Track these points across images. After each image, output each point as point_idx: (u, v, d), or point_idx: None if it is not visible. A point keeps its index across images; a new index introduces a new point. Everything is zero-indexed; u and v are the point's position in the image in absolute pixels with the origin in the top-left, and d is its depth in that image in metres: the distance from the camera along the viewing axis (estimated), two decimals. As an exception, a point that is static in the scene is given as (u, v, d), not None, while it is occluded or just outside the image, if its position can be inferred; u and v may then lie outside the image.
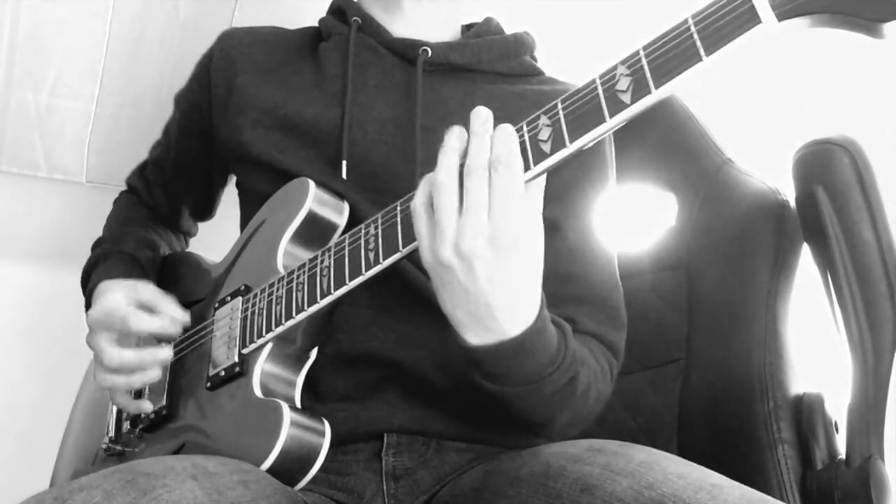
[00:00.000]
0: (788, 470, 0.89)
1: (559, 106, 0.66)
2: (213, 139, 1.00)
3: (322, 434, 0.80)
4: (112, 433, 1.00)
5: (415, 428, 0.85)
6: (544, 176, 0.67)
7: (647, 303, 1.12)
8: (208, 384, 0.86)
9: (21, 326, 1.38)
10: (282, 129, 0.92)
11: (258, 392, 0.81)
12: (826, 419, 0.91)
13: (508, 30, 1.01)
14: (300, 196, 0.87)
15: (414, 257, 0.74)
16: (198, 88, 1.03)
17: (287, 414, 0.77)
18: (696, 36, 0.59)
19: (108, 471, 0.63)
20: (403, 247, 0.73)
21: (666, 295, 1.12)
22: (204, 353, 0.90)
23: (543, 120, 0.66)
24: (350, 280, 0.76)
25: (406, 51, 0.94)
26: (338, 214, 0.88)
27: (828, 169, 0.94)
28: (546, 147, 0.65)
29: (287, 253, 0.87)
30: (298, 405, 0.83)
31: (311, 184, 0.87)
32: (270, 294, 0.84)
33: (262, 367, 0.83)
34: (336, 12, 1.01)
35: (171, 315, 0.90)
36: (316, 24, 1.02)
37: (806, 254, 1.00)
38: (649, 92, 0.61)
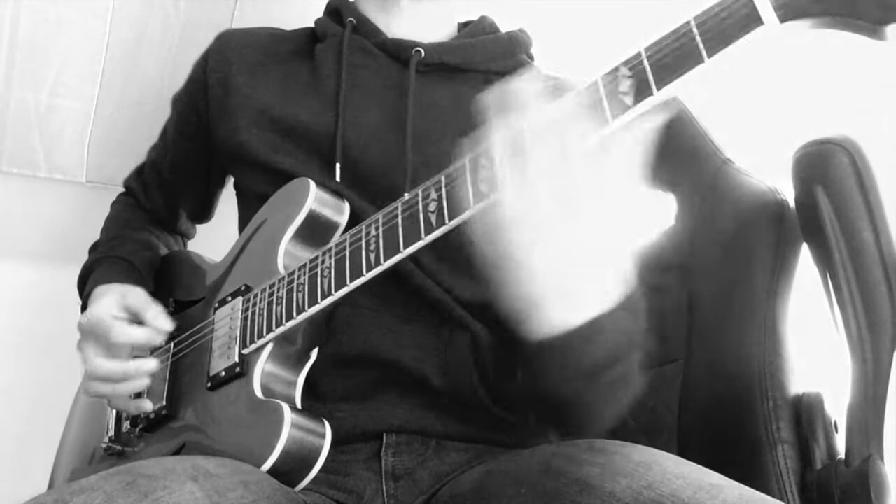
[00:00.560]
0: (788, 470, 0.89)
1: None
2: (211, 141, 1.01)
3: (322, 435, 0.80)
4: (112, 432, 1.00)
5: (414, 428, 0.85)
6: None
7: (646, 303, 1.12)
8: (208, 384, 0.86)
9: (20, 326, 1.37)
10: (277, 131, 0.92)
11: (259, 392, 0.81)
12: (826, 419, 0.91)
13: (506, 27, 1.01)
14: (301, 196, 0.87)
15: (415, 256, 0.74)
16: (195, 90, 1.03)
17: (288, 415, 0.77)
18: (698, 38, 0.59)
19: (109, 472, 0.63)
20: (404, 247, 0.73)
21: (665, 295, 1.12)
22: (204, 353, 0.90)
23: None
24: (351, 281, 0.76)
25: (399, 52, 0.94)
26: (338, 214, 0.88)
27: (827, 169, 0.94)
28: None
29: (287, 253, 0.87)
30: (299, 406, 0.83)
31: (312, 184, 0.87)
32: (271, 294, 0.84)
33: (263, 367, 0.83)
34: (332, 13, 1.01)
35: (154, 325, 0.91)
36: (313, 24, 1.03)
37: (805, 254, 1.00)
38: (651, 93, 0.61)
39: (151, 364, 0.89)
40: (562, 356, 0.68)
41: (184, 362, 0.94)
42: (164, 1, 1.26)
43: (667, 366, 1.09)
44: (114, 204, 1.17)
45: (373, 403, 0.86)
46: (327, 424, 0.81)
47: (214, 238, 1.17)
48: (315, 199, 0.87)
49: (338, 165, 0.89)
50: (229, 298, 0.90)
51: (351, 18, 0.96)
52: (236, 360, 0.84)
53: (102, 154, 1.32)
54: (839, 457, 0.89)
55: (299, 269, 0.82)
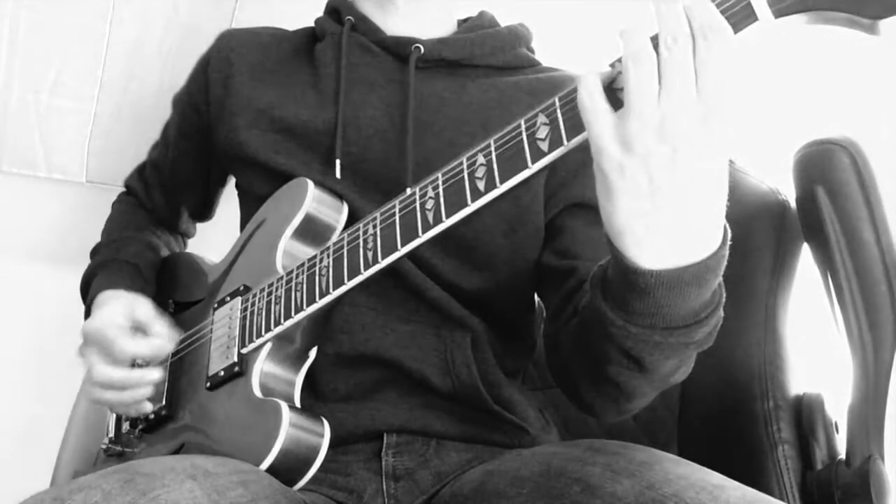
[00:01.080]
0: (788, 470, 0.89)
1: (556, 103, 0.65)
2: (211, 140, 1.01)
3: (321, 434, 0.80)
4: (112, 434, 1.00)
5: (414, 428, 0.85)
6: None
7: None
8: (208, 384, 0.86)
9: (21, 326, 1.37)
10: (277, 131, 0.92)
11: (258, 392, 0.81)
12: (826, 419, 0.91)
13: (505, 22, 1.01)
14: (299, 196, 0.87)
15: (414, 254, 0.74)
16: (195, 90, 1.03)
17: (286, 414, 0.77)
18: None
19: (107, 471, 0.63)
20: (402, 246, 0.73)
21: (666, 295, 1.12)
22: (203, 353, 0.90)
23: (541, 118, 0.66)
24: (349, 279, 0.77)
25: (399, 48, 0.94)
26: (337, 214, 0.88)
27: (828, 169, 0.94)
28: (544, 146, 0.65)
29: (286, 253, 0.87)
30: (298, 405, 0.83)
31: (310, 184, 0.87)
32: (269, 294, 0.84)
33: (262, 366, 0.83)
34: (331, 12, 1.01)
35: (160, 338, 0.90)
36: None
37: (806, 254, 1.00)
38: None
39: (155, 374, 0.89)
40: (667, 291, 0.61)
41: (183, 363, 0.94)
42: (164, 1, 1.27)
43: (667, 366, 1.08)
44: (115, 203, 1.17)
45: (373, 403, 0.86)
46: (326, 423, 0.81)
47: (215, 238, 1.17)
48: (313, 198, 0.87)
49: (338, 162, 0.89)
50: (228, 298, 0.90)
51: (349, 17, 0.96)
52: (235, 359, 0.84)
53: (102, 154, 1.32)
54: (840, 457, 0.89)
55: (297, 268, 0.83)
